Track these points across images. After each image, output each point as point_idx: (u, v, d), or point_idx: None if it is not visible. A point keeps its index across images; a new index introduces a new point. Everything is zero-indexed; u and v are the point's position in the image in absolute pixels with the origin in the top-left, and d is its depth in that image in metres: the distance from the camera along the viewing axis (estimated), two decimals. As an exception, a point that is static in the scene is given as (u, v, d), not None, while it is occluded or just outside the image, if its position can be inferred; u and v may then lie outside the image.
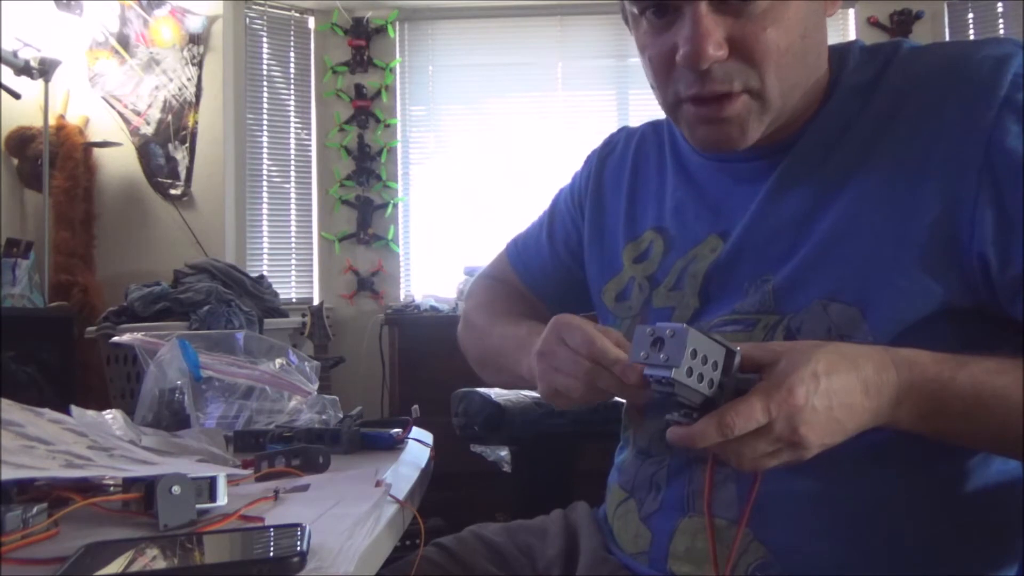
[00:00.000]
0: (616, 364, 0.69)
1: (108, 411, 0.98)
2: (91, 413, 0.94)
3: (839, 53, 0.80)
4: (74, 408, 0.90)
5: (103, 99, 3.37)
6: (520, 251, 1.11)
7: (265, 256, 3.64)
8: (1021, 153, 0.67)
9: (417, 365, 3.15)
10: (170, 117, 3.40)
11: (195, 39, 3.42)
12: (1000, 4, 3.55)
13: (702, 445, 0.61)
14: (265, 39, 3.65)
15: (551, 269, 1.06)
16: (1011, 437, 0.64)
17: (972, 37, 3.60)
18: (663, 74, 0.75)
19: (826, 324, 0.72)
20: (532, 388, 0.82)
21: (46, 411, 0.78)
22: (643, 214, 0.92)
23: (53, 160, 3.15)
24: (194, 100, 3.42)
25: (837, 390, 0.61)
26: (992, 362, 0.65)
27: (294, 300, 3.61)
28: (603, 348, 0.71)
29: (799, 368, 0.61)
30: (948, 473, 0.72)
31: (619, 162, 0.99)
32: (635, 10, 0.75)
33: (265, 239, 3.64)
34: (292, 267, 3.71)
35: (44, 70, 3.00)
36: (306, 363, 1.24)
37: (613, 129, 1.06)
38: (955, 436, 0.68)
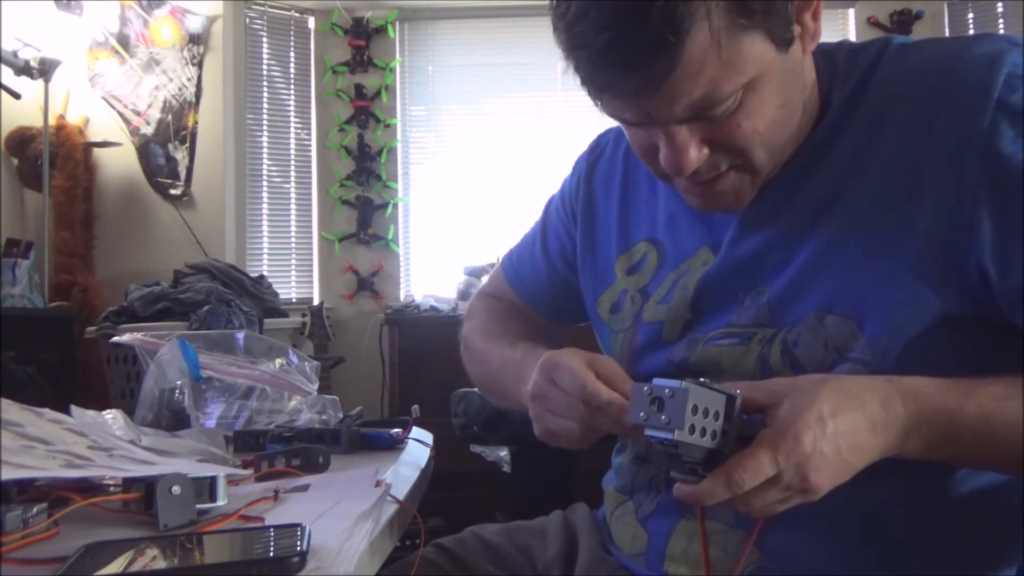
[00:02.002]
0: (611, 407, 0.68)
1: (108, 411, 0.98)
2: (91, 413, 0.94)
3: (827, 58, 0.77)
4: (74, 408, 0.90)
5: (103, 99, 3.37)
6: (515, 266, 1.08)
7: (265, 256, 3.63)
8: (1018, 158, 0.64)
9: (417, 365, 3.15)
10: (170, 117, 3.40)
11: (195, 39, 3.42)
12: (1000, 4, 3.55)
13: (711, 503, 0.59)
14: (265, 39, 3.64)
15: (547, 282, 1.03)
16: (1021, 462, 0.63)
17: (972, 37, 3.59)
18: (648, 160, 0.75)
19: (823, 337, 0.71)
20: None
21: (46, 411, 0.78)
22: (636, 224, 0.90)
23: (53, 160, 3.15)
24: (194, 100, 3.42)
25: (844, 432, 0.60)
26: (999, 387, 0.64)
27: (294, 300, 3.61)
28: (595, 391, 0.69)
29: (804, 413, 0.59)
30: (945, 476, 0.72)
31: (609, 167, 0.96)
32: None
33: (265, 239, 3.64)
34: (292, 267, 3.71)
35: (44, 70, 3.00)
36: (306, 363, 1.24)
37: (613, 129, 1.03)
38: (966, 463, 0.68)
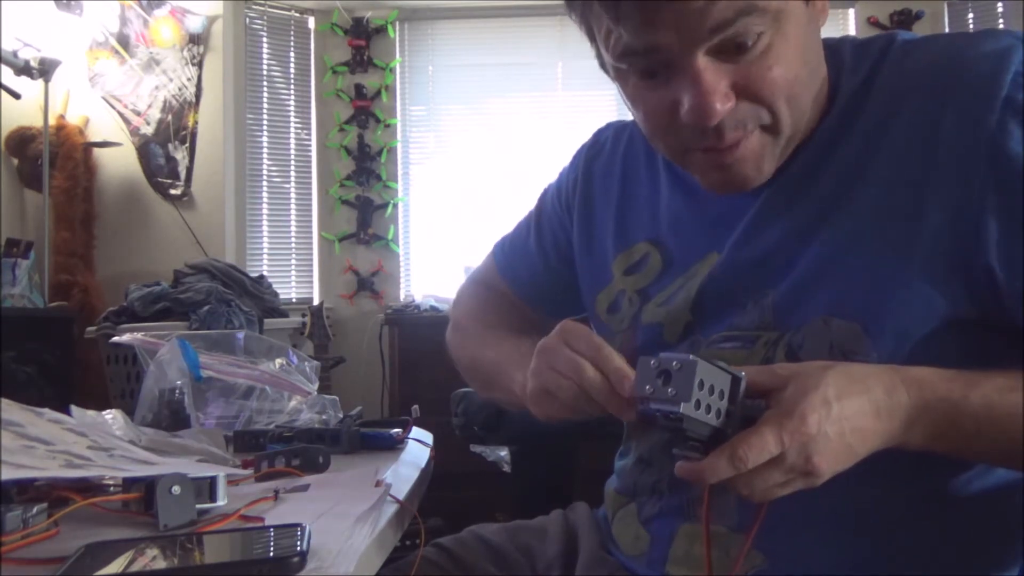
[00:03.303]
0: (616, 373, 0.66)
1: (108, 411, 0.98)
2: (91, 413, 0.94)
3: (832, 52, 0.76)
4: (74, 408, 0.90)
5: (103, 99, 3.37)
6: (508, 256, 1.06)
7: (265, 256, 3.64)
8: None
9: (417, 365, 3.15)
10: (170, 117, 3.40)
11: (195, 39, 3.42)
12: (1000, 4, 3.56)
13: (713, 480, 0.59)
14: (265, 39, 3.65)
15: (541, 275, 1.01)
16: (1022, 454, 0.63)
17: (972, 37, 3.60)
18: (664, 128, 0.71)
19: (828, 340, 0.70)
20: (520, 407, 0.79)
21: (46, 411, 0.78)
22: (635, 223, 0.89)
23: (53, 160, 3.15)
24: (194, 100, 3.42)
25: (849, 415, 0.59)
26: (1003, 379, 0.63)
27: (294, 300, 3.61)
28: (608, 355, 0.67)
29: (809, 394, 0.59)
30: (948, 478, 0.71)
31: (608, 164, 0.95)
32: (621, 66, 0.70)
33: (265, 239, 3.64)
34: (292, 267, 3.71)
35: (44, 70, 3.00)
36: (306, 363, 1.24)
37: (613, 129, 1.01)
38: (968, 455, 0.67)
